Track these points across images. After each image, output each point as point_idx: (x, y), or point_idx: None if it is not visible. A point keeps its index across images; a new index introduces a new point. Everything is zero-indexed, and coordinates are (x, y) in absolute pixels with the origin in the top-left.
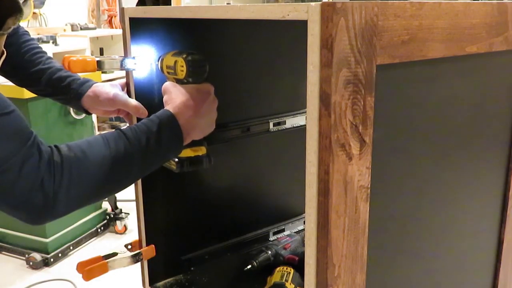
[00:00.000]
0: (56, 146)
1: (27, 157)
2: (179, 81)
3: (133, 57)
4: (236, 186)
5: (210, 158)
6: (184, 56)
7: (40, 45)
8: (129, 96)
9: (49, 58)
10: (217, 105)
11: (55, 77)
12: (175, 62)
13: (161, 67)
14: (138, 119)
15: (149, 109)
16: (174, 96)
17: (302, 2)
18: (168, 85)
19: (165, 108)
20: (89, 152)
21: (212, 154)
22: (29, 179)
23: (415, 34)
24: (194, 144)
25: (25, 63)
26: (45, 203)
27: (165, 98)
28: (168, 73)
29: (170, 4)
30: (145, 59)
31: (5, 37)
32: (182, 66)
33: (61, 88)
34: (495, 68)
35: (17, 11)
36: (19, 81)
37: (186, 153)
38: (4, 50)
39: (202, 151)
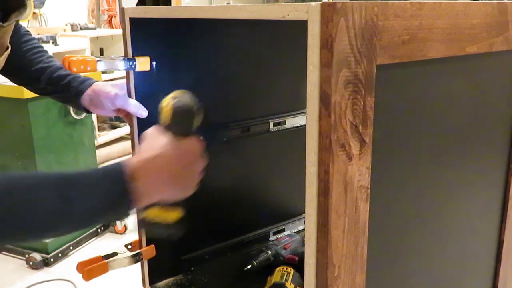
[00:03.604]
0: None
1: None
2: (164, 127)
3: (133, 57)
4: (236, 186)
5: (179, 227)
6: (172, 97)
7: (41, 44)
8: (129, 96)
9: (50, 57)
10: (218, 105)
11: (55, 76)
12: (164, 102)
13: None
14: (138, 119)
15: (149, 109)
16: (147, 148)
17: (302, 2)
18: (149, 132)
19: (122, 163)
20: (7, 186)
21: (181, 226)
22: None
23: (415, 34)
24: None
25: (26, 62)
26: None
27: (142, 146)
28: (160, 112)
29: (170, 4)
30: (145, 59)
31: (10, 31)
32: (168, 110)
33: (62, 86)
34: (495, 68)
35: (21, 6)
36: (20, 80)
37: (154, 212)
38: (9, 45)
39: (172, 216)
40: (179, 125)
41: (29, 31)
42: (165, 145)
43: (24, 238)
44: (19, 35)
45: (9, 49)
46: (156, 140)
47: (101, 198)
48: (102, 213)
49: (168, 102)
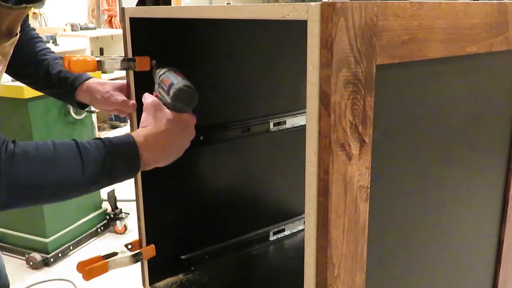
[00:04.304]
0: (6, 140)
1: None
2: (166, 102)
3: (133, 57)
4: (236, 186)
5: None
6: (184, 80)
7: (40, 35)
8: (129, 96)
9: (46, 48)
10: (218, 105)
11: (52, 70)
12: (171, 83)
13: (157, 78)
14: (139, 119)
15: None
16: (151, 121)
17: (302, 2)
18: (150, 104)
19: (132, 134)
20: (36, 153)
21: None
22: None
23: (415, 34)
24: None
25: (25, 54)
26: None
27: (143, 116)
28: (161, 87)
29: (170, 4)
30: (145, 59)
31: (21, 17)
32: (176, 90)
33: (58, 80)
34: (495, 68)
35: (37, 0)
36: (16, 74)
37: None
38: (18, 33)
39: None
40: (182, 104)
41: (28, 24)
42: (169, 120)
43: (87, 188)
44: (26, 30)
45: (18, 36)
46: (159, 113)
47: (115, 163)
48: (114, 176)
49: (173, 81)
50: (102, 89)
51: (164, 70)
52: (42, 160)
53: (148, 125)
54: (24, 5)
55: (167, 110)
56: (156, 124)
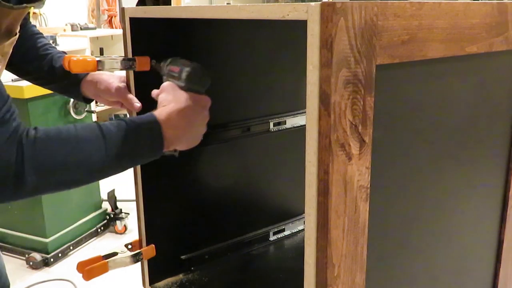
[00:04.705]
0: (27, 128)
1: None
2: (180, 86)
3: (133, 57)
4: (236, 186)
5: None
6: (193, 63)
7: (41, 32)
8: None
9: (48, 44)
10: (218, 105)
11: (55, 64)
12: (182, 68)
13: (164, 70)
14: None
15: (149, 109)
16: (171, 99)
17: (302, 2)
18: (167, 85)
19: (153, 112)
20: (58, 137)
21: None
22: None
23: (415, 34)
24: None
25: (27, 50)
26: (4, 180)
27: (161, 96)
28: (172, 76)
29: (170, 4)
30: (145, 59)
31: (21, 17)
32: (188, 72)
33: (62, 73)
34: (495, 68)
35: (37, 0)
36: (18, 71)
37: None
38: (17, 32)
39: None
40: (198, 84)
41: (35, 25)
42: (188, 98)
43: (112, 170)
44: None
45: (17, 35)
46: (178, 92)
47: (138, 142)
48: (137, 155)
49: (184, 65)
50: (107, 79)
51: (168, 60)
52: (64, 142)
53: (168, 104)
54: (24, 4)
55: (185, 92)
56: (177, 102)
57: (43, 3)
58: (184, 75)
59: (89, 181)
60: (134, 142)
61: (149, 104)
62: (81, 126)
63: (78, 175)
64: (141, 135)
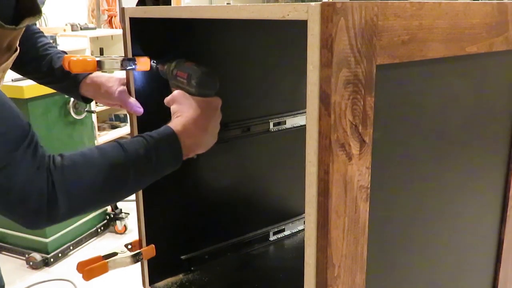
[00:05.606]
0: (51, 154)
1: (24, 159)
2: (189, 92)
3: (133, 57)
4: (236, 186)
5: None
6: (200, 67)
7: (41, 31)
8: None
9: (48, 43)
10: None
11: (54, 65)
12: (189, 73)
13: (170, 74)
14: (139, 118)
15: (149, 109)
16: (185, 110)
17: (302, 2)
18: (178, 95)
19: (169, 125)
20: (84, 160)
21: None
22: (25, 182)
23: (415, 34)
24: None
25: (27, 49)
26: (39, 208)
27: (174, 107)
28: (180, 82)
29: (170, 4)
30: (145, 59)
31: (20, 34)
32: (198, 79)
33: (61, 75)
34: (495, 68)
35: (36, 12)
36: (19, 70)
37: None
38: (18, 47)
39: None
40: (208, 89)
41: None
42: (200, 105)
43: (138, 187)
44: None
45: (18, 51)
46: (190, 101)
47: (159, 156)
48: (160, 169)
49: (192, 70)
50: (107, 83)
51: (173, 64)
52: (90, 164)
53: (182, 114)
54: (26, 24)
55: (196, 97)
56: (190, 111)
57: (40, 16)
58: (193, 82)
59: (117, 200)
60: (155, 158)
61: (149, 104)
62: (103, 147)
63: (106, 196)
64: (162, 150)
